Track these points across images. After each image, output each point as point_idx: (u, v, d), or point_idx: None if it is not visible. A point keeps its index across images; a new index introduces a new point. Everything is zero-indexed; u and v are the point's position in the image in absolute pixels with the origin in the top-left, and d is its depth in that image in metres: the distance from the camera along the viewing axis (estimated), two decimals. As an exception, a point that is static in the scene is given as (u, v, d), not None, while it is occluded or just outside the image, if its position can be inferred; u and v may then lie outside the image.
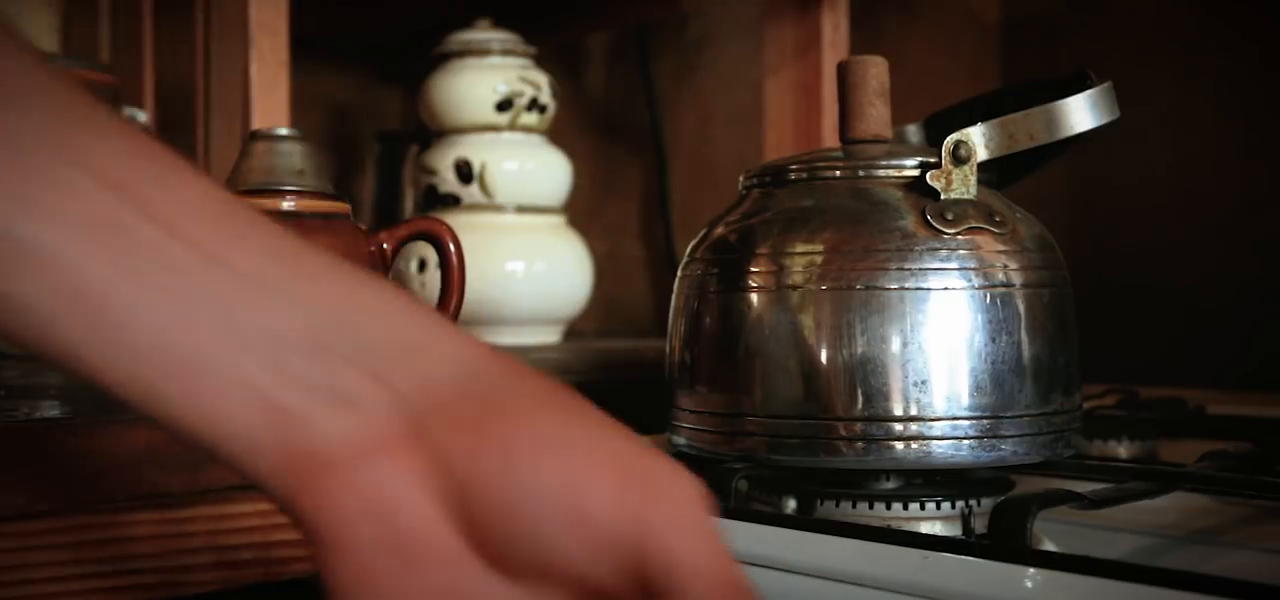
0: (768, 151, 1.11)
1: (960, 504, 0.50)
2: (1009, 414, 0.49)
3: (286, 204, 0.62)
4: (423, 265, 1.06)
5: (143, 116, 0.93)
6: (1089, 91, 0.51)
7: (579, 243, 1.13)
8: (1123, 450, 0.67)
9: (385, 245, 0.65)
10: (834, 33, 1.07)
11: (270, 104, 0.90)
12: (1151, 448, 0.68)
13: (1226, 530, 0.50)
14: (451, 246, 0.66)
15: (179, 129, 0.99)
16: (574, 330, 1.17)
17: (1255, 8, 0.91)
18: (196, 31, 0.96)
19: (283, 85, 0.91)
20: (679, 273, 0.56)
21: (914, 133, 0.62)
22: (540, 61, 1.14)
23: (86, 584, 0.54)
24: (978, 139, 0.50)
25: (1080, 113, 0.51)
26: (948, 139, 0.50)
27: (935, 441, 0.48)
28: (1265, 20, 0.91)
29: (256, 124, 0.90)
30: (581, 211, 1.20)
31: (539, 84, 1.11)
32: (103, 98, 1.01)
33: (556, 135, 1.16)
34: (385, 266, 0.65)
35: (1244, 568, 0.45)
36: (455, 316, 0.67)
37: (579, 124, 1.37)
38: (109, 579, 0.54)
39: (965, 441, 0.48)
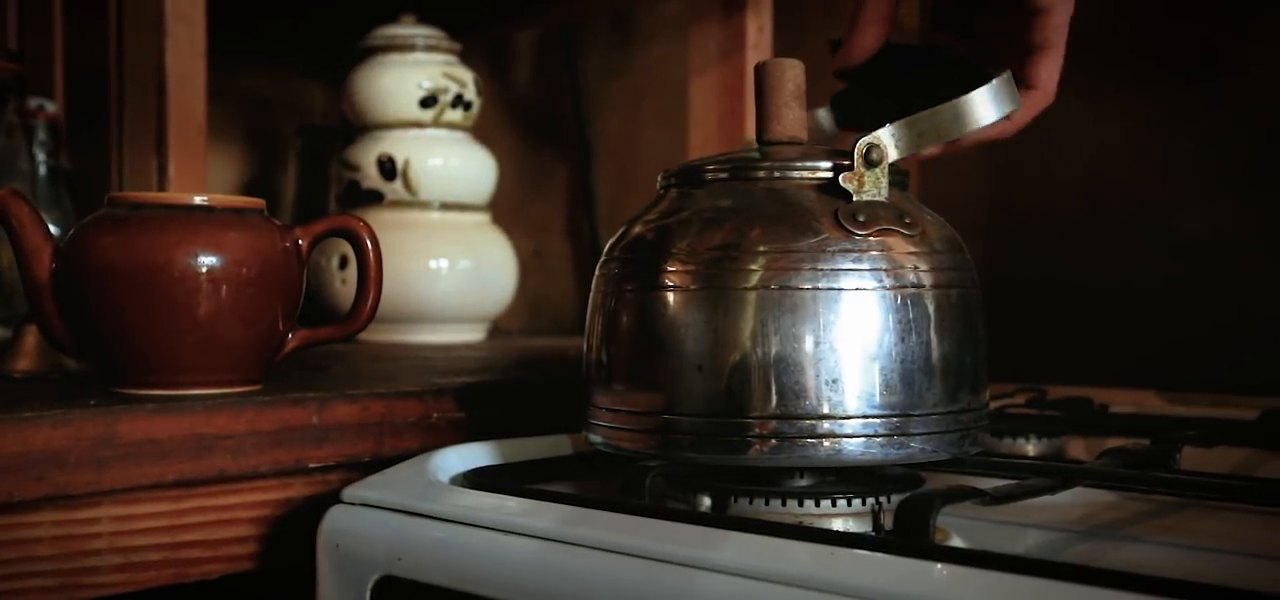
0: (692, 151, 1.11)
1: (871, 501, 0.50)
2: (918, 412, 0.49)
3: (198, 198, 0.61)
4: (344, 263, 1.05)
5: (51, 107, 0.91)
6: (992, 84, 0.52)
7: (504, 240, 1.12)
8: (1031, 448, 0.68)
9: (300, 241, 0.64)
10: (758, 35, 1.08)
11: (186, 96, 0.88)
12: (1059, 445, 0.70)
13: (1127, 525, 0.52)
14: (368, 243, 0.66)
15: (91, 121, 0.97)
16: (499, 328, 1.17)
17: (1169, 10, 0.94)
18: (109, 18, 0.94)
19: (199, 76, 0.89)
20: (597, 271, 0.56)
21: (824, 116, 0.63)
22: (465, 58, 1.14)
23: (-16, 587, 0.52)
24: (888, 141, 0.51)
25: (985, 106, 0.51)
26: (859, 143, 0.51)
27: (847, 439, 0.49)
28: (1179, 23, 0.94)
29: (172, 116, 0.88)
30: (507, 209, 1.20)
31: (464, 80, 1.10)
32: (7, 86, 0.98)
33: (482, 132, 1.15)
34: (301, 262, 0.64)
35: (1142, 561, 0.47)
36: (372, 314, 0.66)
37: (505, 121, 1.37)
38: (8, 582, 0.53)
39: (876, 439, 0.49)
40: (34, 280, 0.60)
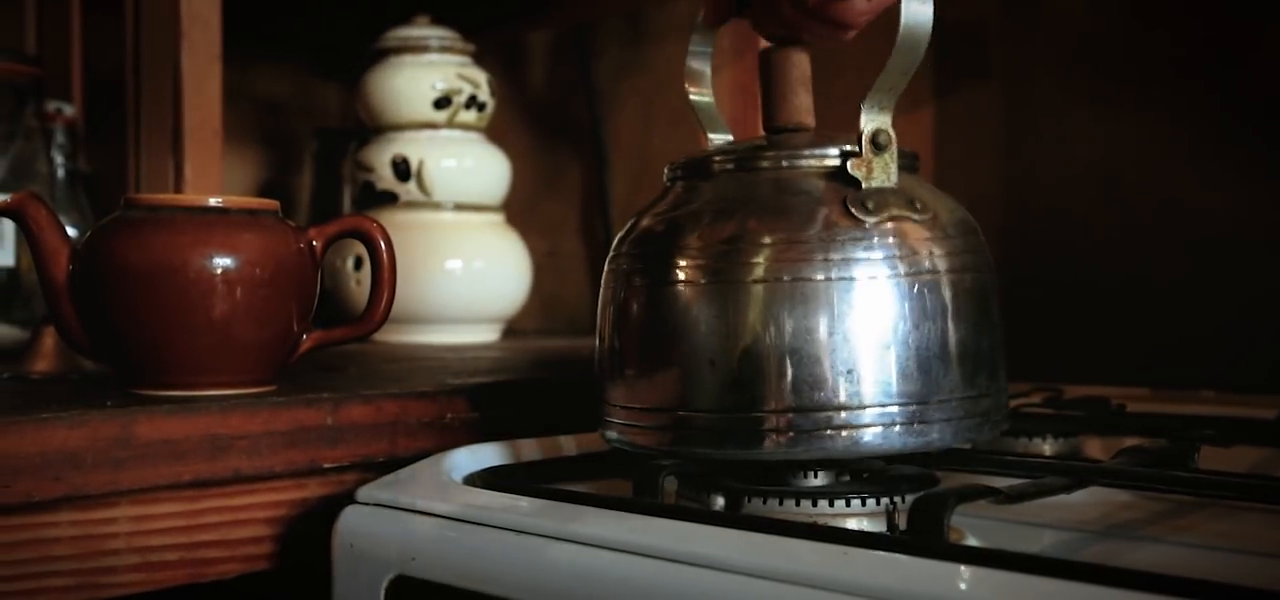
0: (706, 151, 1.11)
1: (885, 500, 0.50)
2: (935, 399, 0.48)
3: (213, 200, 0.61)
4: (359, 263, 1.05)
5: (69, 110, 0.92)
6: None
7: (518, 241, 1.12)
8: (1047, 447, 0.68)
9: (315, 242, 0.64)
10: (771, 33, 1.07)
11: (201, 99, 0.89)
12: (1075, 445, 0.69)
13: (1144, 524, 0.51)
14: (382, 244, 0.66)
15: (108, 124, 0.98)
16: (513, 329, 1.17)
17: (1182, 10, 0.94)
18: (126, 22, 0.94)
19: (215, 79, 0.90)
20: (606, 266, 0.56)
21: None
22: (479, 59, 1.14)
23: (2, 588, 0.53)
24: (874, 112, 0.50)
25: (921, 8, 0.50)
26: (866, 128, 0.50)
27: (865, 429, 0.48)
28: (1192, 23, 0.93)
29: (187, 119, 0.88)
30: (521, 210, 1.20)
31: (478, 81, 1.10)
32: (25, 89, 0.99)
33: (495, 133, 1.15)
34: (315, 263, 0.64)
35: (1159, 561, 0.46)
36: (386, 315, 0.66)
37: (518, 122, 1.37)
38: (25, 582, 0.53)
39: (894, 428, 0.48)
40: (51, 282, 0.60)
